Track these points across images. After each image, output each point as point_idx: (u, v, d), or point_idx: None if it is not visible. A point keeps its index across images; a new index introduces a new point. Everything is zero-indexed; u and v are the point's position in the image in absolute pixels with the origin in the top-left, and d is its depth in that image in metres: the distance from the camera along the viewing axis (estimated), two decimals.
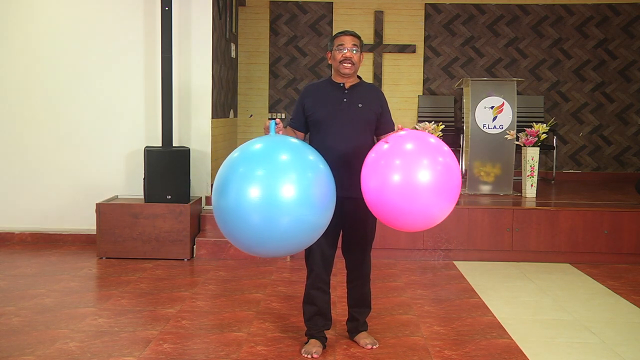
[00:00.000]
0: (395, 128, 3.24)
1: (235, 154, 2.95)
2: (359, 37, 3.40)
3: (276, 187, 2.77)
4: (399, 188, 2.93)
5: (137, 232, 5.47)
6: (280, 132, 3.14)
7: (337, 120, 3.35)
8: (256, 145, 2.95)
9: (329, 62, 3.45)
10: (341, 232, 3.49)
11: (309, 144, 3.48)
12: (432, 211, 2.98)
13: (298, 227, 2.83)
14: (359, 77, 3.47)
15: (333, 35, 3.45)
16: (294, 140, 3.04)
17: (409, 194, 2.92)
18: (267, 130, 3.13)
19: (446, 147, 3.09)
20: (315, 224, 2.91)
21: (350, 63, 3.34)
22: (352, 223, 3.43)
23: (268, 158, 2.86)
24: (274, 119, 3.17)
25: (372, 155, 3.09)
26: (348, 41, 3.35)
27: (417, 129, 6.41)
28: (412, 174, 2.93)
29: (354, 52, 3.34)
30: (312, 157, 2.98)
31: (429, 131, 6.19)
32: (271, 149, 2.92)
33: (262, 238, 2.82)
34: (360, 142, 3.38)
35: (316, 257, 3.39)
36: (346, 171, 3.32)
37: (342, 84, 3.41)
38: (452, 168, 3.01)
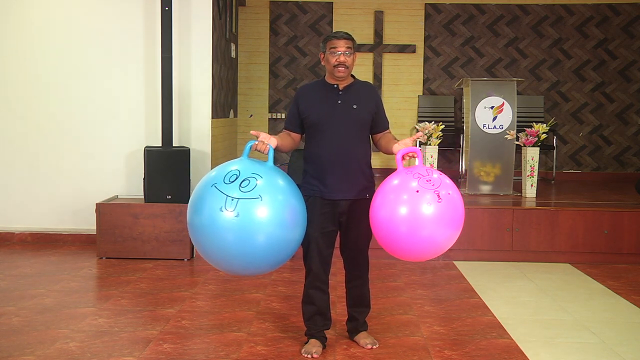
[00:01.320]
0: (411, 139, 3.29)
1: (212, 172, 3.11)
2: (352, 39, 3.38)
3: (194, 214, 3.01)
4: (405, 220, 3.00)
5: (137, 232, 5.47)
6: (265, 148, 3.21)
7: (332, 122, 3.34)
8: (215, 170, 3.11)
9: (322, 63, 3.44)
10: (338, 233, 3.49)
11: (305, 145, 3.48)
12: (438, 240, 3.09)
13: (272, 245, 2.99)
14: (352, 76, 3.46)
15: (326, 37, 3.43)
16: (256, 163, 3.13)
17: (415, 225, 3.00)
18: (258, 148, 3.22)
19: (448, 180, 3.16)
20: (287, 241, 3.05)
21: (344, 67, 3.33)
22: (349, 224, 3.43)
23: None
24: (254, 140, 3.24)
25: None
26: (341, 45, 3.32)
27: (417, 129, 6.42)
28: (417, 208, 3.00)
29: (348, 55, 3.33)
30: (282, 182, 3.11)
31: (429, 131, 6.19)
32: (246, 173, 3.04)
33: (236, 256, 2.99)
34: (356, 143, 3.38)
35: (314, 257, 3.39)
36: (342, 173, 3.32)
37: (336, 85, 3.40)
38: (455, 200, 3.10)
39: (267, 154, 3.19)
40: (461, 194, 3.26)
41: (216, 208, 2.93)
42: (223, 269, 3.17)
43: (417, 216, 3.00)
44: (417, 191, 3.02)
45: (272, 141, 3.21)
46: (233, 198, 2.93)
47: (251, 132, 3.25)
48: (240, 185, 2.97)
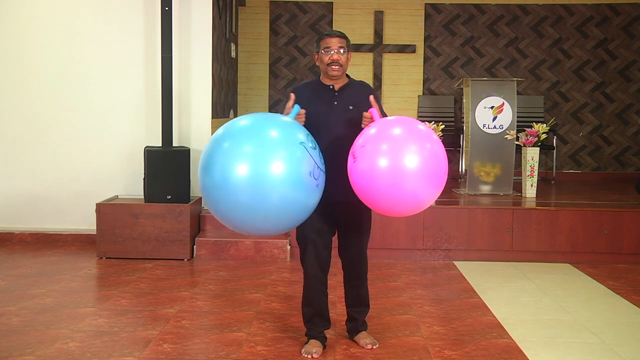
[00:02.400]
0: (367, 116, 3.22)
1: (220, 130, 2.98)
2: (345, 37, 3.35)
3: (264, 164, 2.77)
4: (386, 173, 2.90)
5: (137, 232, 5.47)
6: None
7: (328, 124, 3.32)
8: (243, 121, 2.95)
9: (317, 64, 3.41)
10: (336, 234, 3.48)
11: None
12: (420, 196, 2.96)
13: (287, 206, 2.83)
14: (347, 76, 3.45)
15: (318, 36, 3.41)
16: (285, 118, 3.05)
17: (396, 178, 2.89)
18: (288, 110, 3.16)
19: (435, 136, 3.07)
20: (304, 204, 2.91)
21: (337, 65, 3.31)
22: (347, 225, 3.42)
23: (256, 134, 2.85)
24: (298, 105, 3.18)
25: (359, 141, 3.06)
26: (334, 43, 3.30)
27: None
28: (400, 159, 2.90)
29: (341, 53, 3.31)
30: (302, 136, 2.96)
31: None
32: (260, 124, 2.91)
33: (250, 216, 2.81)
34: (352, 143, 3.36)
35: (311, 259, 3.38)
36: (338, 174, 3.31)
37: (331, 86, 3.38)
38: (438, 155, 2.99)
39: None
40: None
41: (306, 172, 2.83)
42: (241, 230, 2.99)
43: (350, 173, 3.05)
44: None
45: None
46: (319, 168, 2.89)
47: (292, 94, 3.25)
48: (319, 157, 2.95)
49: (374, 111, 3.18)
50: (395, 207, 2.99)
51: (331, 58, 3.30)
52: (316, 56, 3.39)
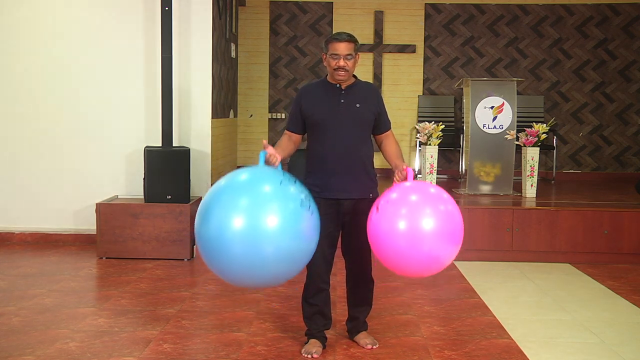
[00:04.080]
0: (401, 170, 3.25)
1: (221, 182, 2.90)
2: (354, 41, 3.34)
3: (259, 217, 2.70)
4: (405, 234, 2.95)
5: (137, 232, 5.47)
6: (271, 151, 3.12)
7: (335, 122, 3.34)
8: (242, 175, 2.89)
9: (324, 64, 3.43)
10: (340, 233, 3.49)
11: (308, 145, 3.48)
12: (439, 255, 3.02)
13: (282, 257, 2.77)
14: (354, 76, 3.46)
15: (328, 37, 3.41)
16: (277, 171, 3.00)
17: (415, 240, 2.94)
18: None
19: (446, 195, 3.13)
20: (300, 254, 2.86)
21: (344, 71, 3.32)
22: (352, 223, 3.42)
23: (251, 189, 2.79)
24: (265, 149, 3.14)
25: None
26: (342, 49, 3.29)
27: (417, 129, 6.42)
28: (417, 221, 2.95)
29: (349, 59, 3.31)
30: (293, 189, 2.92)
31: (429, 131, 6.19)
32: (255, 179, 2.86)
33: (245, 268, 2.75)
34: (359, 142, 3.37)
35: (316, 257, 3.38)
36: (345, 172, 3.32)
37: (338, 85, 3.40)
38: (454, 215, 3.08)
39: (276, 166, 3.13)
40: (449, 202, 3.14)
41: (300, 206, 2.80)
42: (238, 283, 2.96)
43: (373, 233, 3.08)
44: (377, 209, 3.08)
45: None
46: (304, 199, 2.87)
47: (263, 141, 3.19)
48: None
49: (410, 171, 3.21)
50: (414, 267, 3.06)
51: (338, 64, 3.30)
52: (324, 56, 3.40)
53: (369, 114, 3.39)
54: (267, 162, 3.10)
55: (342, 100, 3.37)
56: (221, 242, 2.71)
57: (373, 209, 3.10)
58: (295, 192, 2.85)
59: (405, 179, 3.18)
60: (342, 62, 3.30)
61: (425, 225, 2.95)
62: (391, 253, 3.01)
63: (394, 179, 3.25)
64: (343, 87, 3.40)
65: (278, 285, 4.14)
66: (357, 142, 3.36)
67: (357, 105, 3.37)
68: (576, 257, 5.53)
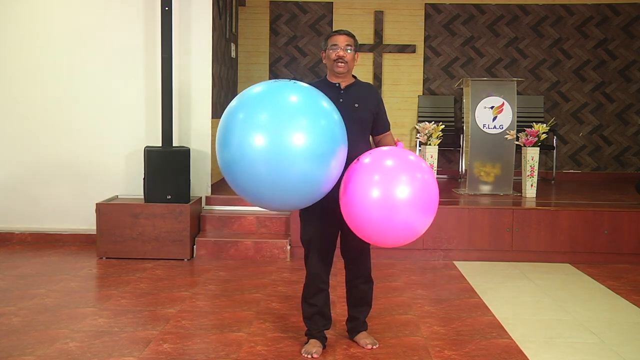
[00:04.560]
0: (394, 141, 3.27)
1: (234, 102, 2.89)
2: (353, 37, 3.40)
3: (284, 135, 2.66)
4: (378, 203, 2.92)
5: (137, 232, 5.47)
6: None
7: None
8: (258, 88, 2.85)
9: (324, 61, 3.45)
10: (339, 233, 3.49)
11: None
12: (413, 225, 2.98)
13: (307, 181, 2.74)
14: (354, 76, 3.47)
15: (327, 34, 3.45)
16: (303, 84, 3.01)
17: (388, 209, 2.91)
18: None
19: (425, 164, 3.10)
20: (325, 179, 2.82)
21: (343, 62, 3.34)
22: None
23: (274, 101, 2.75)
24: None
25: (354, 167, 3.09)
26: (342, 41, 3.35)
27: (417, 129, 6.42)
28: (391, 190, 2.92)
29: (348, 51, 3.34)
30: (326, 104, 2.90)
31: (429, 131, 6.20)
32: (278, 91, 2.82)
33: (270, 189, 2.72)
34: (357, 142, 3.37)
35: (315, 257, 3.39)
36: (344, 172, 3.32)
37: (337, 84, 3.41)
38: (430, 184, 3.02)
39: None
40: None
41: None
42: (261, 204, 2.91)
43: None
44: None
45: None
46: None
47: None
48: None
49: (401, 144, 3.26)
50: (388, 237, 3.02)
51: (337, 54, 3.33)
52: (323, 54, 3.43)
53: (367, 114, 3.40)
54: None
55: (341, 100, 3.38)
56: (245, 163, 2.68)
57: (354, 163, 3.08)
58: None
59: None
60: (341, 52, 3.33)
61: (400, 193, 2.91)
62: (364, 221, 2.98)
63: None
64: (342, 86, 3.41)
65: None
66: (355, 142, 3.35)
67: (356, 105, 3.37)
68: (576, 257, 5.53)
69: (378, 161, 3.05)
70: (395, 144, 3.31)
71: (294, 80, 2.85)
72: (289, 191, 2.76)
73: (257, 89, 2.88)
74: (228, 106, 2.93)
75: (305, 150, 2.69)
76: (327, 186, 2.92)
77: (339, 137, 2.90)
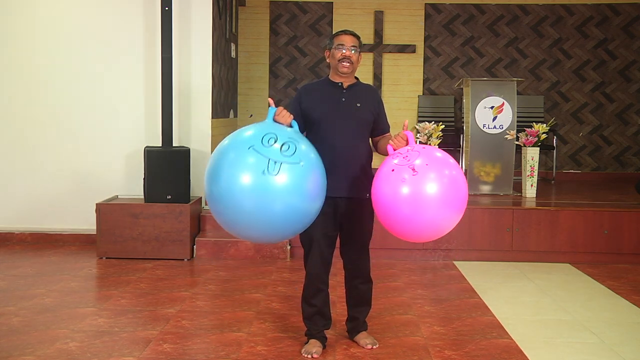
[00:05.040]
0: (401, 135, 3.26)
1: (225, 141, 3.02)
2: (358, 38, 3.41)
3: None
4: (409, 199, 2.96)
5: (137, 232, 5.47)
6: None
7: (335, 120, 3.35)
8: (247, 132, 3.01)
9: (328, 60, 3.45)
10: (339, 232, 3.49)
11: None
12: (439, 222, 3.02)
13: (290, 214, 2.91)
14: (356, 77, 3.48)
15: (333, 33, 3.46)
16: (286, 128, 3.10)
17: (418, 205, 2.95)
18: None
19: (452, 160, 3.13)
20: (306, 212, 2.98)
21: (349, 62, 3.35)
22: (350, 223, 3.43)
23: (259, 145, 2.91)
24: (274, 106, 3.20)
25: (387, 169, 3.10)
26: (348, 41, 3.36)
27: (417, 129, 6.42)
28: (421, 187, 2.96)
29: (353, 52, 3.35)
30: (304, 147, 3.02)
31: (429, 131, 6.19)
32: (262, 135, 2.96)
33: (254, 223, 2.90)
34: (358, 142, 3.38)
35: (315, 257, 3.38)
36: (343, 171, 3.32)
37: (340, 84, 3.41)
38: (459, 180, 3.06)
39: (290, 124, 3.18)
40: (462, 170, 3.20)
41: (258, 171, 2.83)
42: (252, 234, 3.05)
43: (396, 196, 3.00)
44: (393, 170, 3.04)
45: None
46: (275, 161, 2.86)
47: (269, 99, 3.29)
48: (281, 148, 2.90)
49: (410, 134, 3.23)
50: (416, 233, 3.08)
51: (343, 54, 3.34)
52: (328, 53, 3.43)
53: (368, 114, 3.41)
54: (277, 119, 3.16)
55: (343, 99, 3.38)
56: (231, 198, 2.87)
57: (387, 169, 3.08)
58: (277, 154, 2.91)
59: (407, 143, 3.20)
60: (347, 52, 3.34)
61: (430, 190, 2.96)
62: (393, 217, 3.03)
63: (391, 143, 3.23)
64: (345, 86, 3.41)
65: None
66: (356, 141, 3.37)
67: (358, 105, 3.38)
68: (576, 257, 5.53)
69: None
70: (404, 133, 3.24)
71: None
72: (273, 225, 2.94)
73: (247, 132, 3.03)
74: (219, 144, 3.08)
75: (287, 187, 2.86)
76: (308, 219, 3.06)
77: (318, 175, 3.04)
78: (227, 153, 2.95)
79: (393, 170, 3.03)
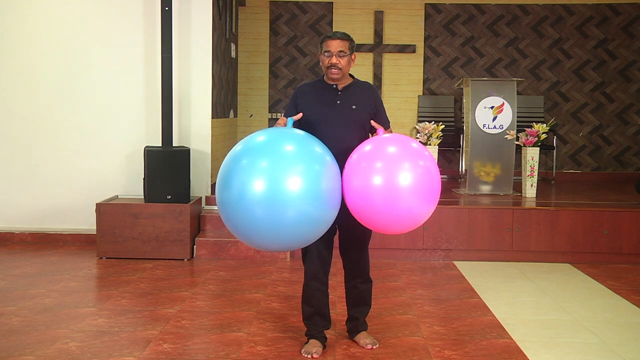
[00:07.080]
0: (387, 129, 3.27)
1: (238, 146, 2.93)
2: (348, 39, 3.34)
3: (281, 179, 2.74)
4: (381, 190, 2.92)
5: (137, 232, 5.47)
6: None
7: (331, 122, 3.33)
8: (260, 137, 2.93)
9: (321, 64, 3.43)
10: (337, 233, 3.48)
11: None
12: (414, 213, 2.98)
13: (303, 222, 2.80)
14: (351, 76, 3.46)
15: (322, 37, 3.42)
16: (299, 131, 3.06)
17: (391, 196, 2.91)
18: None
19: (427, 152, 3.10)
20: (320, 219, 2.88)
21: (336, 69, 3.32)
22: (348, 223, 3.41)
23: (273, 149, 2.84)
24: (290, 117, 3.21)
25: (354, 157, 3.08)
26: (334, 47, 3.30)
27: (417, 129, 6.43)
28: (394, 177, 2.92)
29: (341, 57, 3.31)
30: (319, 149, 2.97)
31: (429, 131, 6.19)
32: (276, 139, 2.90)
33: (266, 232, 2.79)
34: (355, 144, 3.36)
35: (313, 257, 3.38)
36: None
37: (335, 85, 3.40)
38: (432, 172, 3.01)
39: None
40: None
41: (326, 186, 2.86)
42: (263, 243, 2.95)
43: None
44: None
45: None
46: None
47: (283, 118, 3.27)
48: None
49: (381, 131, 3.24)
50: (392, 225, 3.01)
51: (330, 62, 3.31)
52: (320, 56, 3.39)
53: (364, 116, 3.38)
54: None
55: (338, 102, 3.36)
56: (242, 207, 2.75)
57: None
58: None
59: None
60: (334, 60, 3.30)
61: (402, 180, 2.92)
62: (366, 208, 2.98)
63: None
64: (340, 87, 3.39)
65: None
66: (353, 144, 3.35)
67: (354, 107, 3.36)
68: (576, 257, 5.54)
69: (380, 149, 3.04)
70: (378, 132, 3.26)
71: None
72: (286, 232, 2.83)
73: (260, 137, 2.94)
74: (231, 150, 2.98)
75: (301, 193, 2.76)
76: (323, 227, 2.96)
77: (333, 177, 2.97)
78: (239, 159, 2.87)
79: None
